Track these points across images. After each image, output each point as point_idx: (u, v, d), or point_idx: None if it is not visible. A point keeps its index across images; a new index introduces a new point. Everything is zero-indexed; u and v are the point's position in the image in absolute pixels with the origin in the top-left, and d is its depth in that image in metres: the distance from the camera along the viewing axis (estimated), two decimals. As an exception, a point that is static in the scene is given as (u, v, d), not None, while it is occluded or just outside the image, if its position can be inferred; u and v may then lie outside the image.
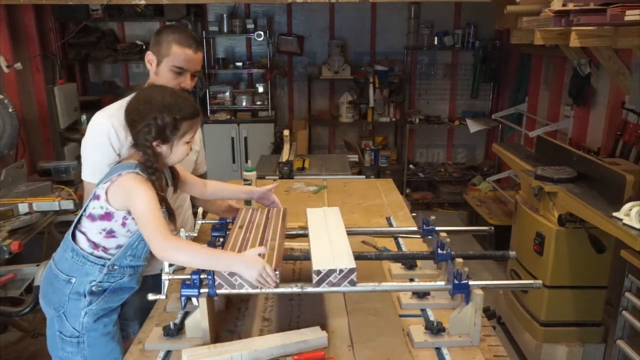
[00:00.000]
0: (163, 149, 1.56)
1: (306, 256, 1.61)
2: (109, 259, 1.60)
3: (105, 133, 1.73)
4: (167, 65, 1.82)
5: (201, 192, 1.94)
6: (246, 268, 1.39)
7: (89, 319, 1.63)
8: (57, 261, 1.65)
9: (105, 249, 1.60)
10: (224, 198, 2.00)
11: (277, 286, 1.41)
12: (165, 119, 1.51)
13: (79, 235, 1.61)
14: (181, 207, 2.18)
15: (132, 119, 1.54)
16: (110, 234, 1.58)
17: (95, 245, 1.59)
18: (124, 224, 1.58)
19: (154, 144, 1.53)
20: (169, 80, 1.83)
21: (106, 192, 1.53)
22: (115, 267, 1.61)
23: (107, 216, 1.56)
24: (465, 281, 1.45)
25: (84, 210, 1.59)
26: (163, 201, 1.56)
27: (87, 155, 1.78)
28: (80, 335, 1.63)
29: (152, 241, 1.45)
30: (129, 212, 1.55)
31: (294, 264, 1.95)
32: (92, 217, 1.57)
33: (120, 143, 1.74)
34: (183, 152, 1.60)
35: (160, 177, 1.57)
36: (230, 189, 2.03)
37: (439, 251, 1.61)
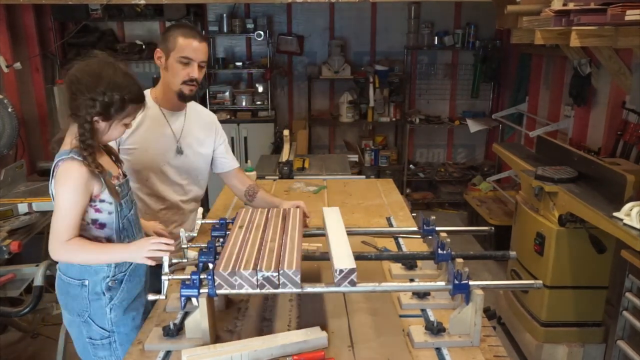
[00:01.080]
0: (102, 125, 1.53)
1: (306, 256, 1.61)
2: None
3: None
4: (175, 57, 1.92)
5: (246, 199, 2.19)
6: (136, 251, 1.46)
7: (116, 313, 1.64)
8: (64, 270, 1.64)
9: (101, 241, 1.60)
10: (264, 207, 1.99)
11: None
12: (113, 97, 1.48)
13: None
14: (194, 212, 2.21)
15: (77, 89, 1.48)
16: (95, 223, 1.58)
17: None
18: (97, 210, 1.57)
19: (95, 119, 1.50)
20: (178, 71, 1.93)
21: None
22: None
23: None
24: (466, 281, 1.44)
25: None
26: (99, 169, 1.52)
27: None
28: (111, 335, 1.64)
29: (51, 238, 1.50)
30: (91, 197, 1.54)
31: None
32: None
33: None
34: (119, 133, 1.60)
35: (94, 152, 1.52)
36: (269, 199, 2.18)
37: (439, 251, 1.61)
